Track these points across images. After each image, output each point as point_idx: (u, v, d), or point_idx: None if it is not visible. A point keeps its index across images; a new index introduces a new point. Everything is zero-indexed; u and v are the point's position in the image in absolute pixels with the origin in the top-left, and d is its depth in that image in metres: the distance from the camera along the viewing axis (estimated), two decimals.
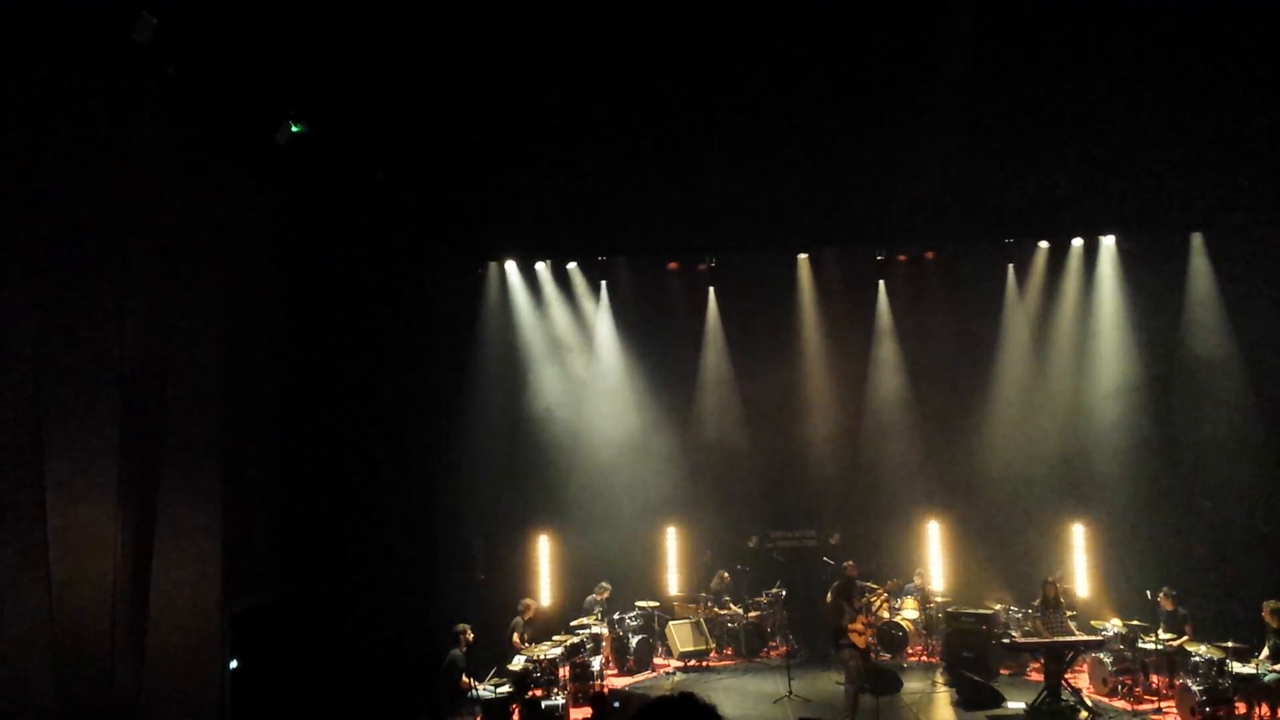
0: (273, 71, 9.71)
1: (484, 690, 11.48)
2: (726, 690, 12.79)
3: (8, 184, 6.86)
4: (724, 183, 12.25)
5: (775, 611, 14.81)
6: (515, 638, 12.53)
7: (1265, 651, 10.84)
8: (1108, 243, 14.45)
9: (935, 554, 15.44)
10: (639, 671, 13.85)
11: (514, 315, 14.97)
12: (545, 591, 14.88)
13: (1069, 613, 11.95)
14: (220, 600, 9.57)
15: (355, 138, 11.38)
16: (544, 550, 15.12)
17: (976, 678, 12.02)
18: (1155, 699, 11.56)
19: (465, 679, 11.46)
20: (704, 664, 14.15)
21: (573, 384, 15.38)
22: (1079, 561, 14.56)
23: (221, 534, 9.61)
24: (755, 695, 12.56)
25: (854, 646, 11.04)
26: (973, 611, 13.30)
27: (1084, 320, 14.81)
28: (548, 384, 15.22)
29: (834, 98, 11.76)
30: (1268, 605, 10.94)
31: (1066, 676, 11.35)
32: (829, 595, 11.47)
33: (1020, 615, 13.23)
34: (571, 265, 15.23)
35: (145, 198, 8.36)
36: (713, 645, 14.33)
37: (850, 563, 12.03)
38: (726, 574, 15.11)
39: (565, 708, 11.43)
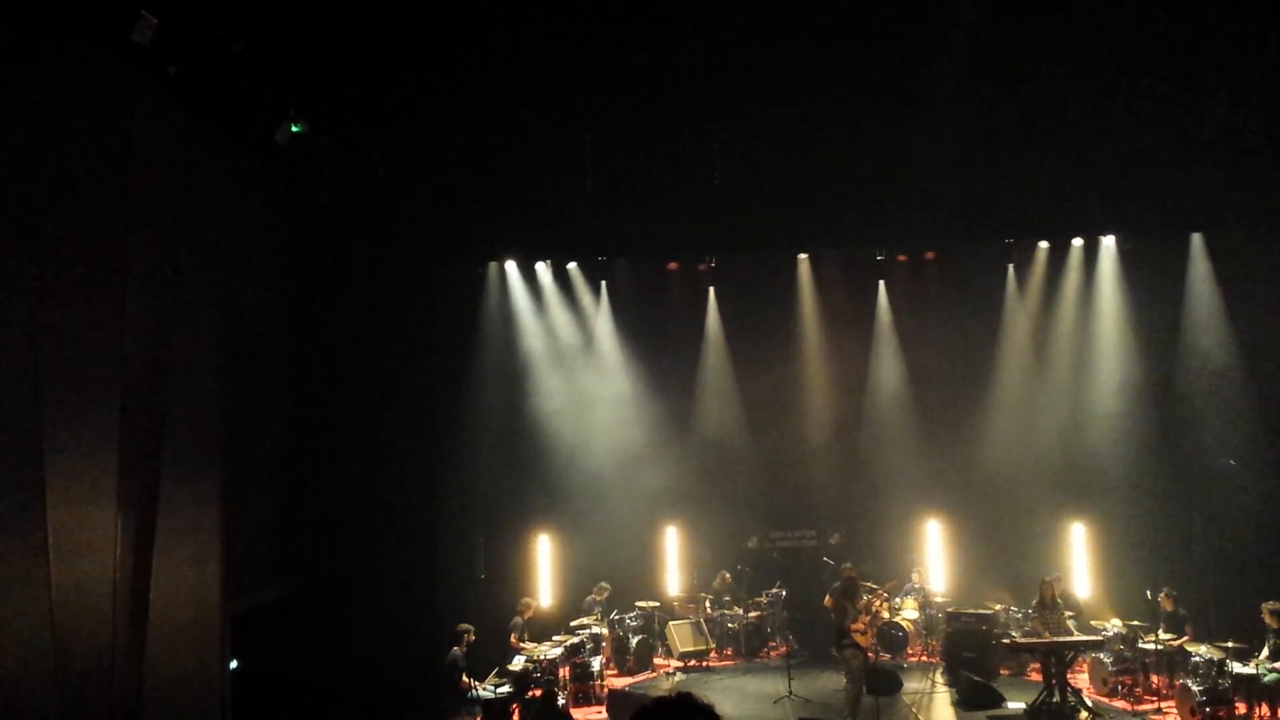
0: (273, 71, 9.72)
1: (484, 690, 11.48)
2: (726, 690, 12.79)
3: (8, 184, 6.86)
4: (724, 183, 12.26)
5: (775, 611, 14.80)
6: (514, 638, 12.52)
7: (1265, 651, 10.84)
8: (1108, 243, 14.43)
9: (935, 554, 15.42)
10: (639, 671, 13.85)
11: (514, 315, 14.96)
12: (545, 591, 14.87)
13: (1067, 613, 11.95)
14: (220, 600, 9.58)
15: (355, 137, 11.40)
16: (544, 550, 15.11)
17: (976, 678, 12.02)
18: (1155, 699, 11.56)
19: (465, 679, 11.47)
20: (704, 664, 14.15)
21: (573, 384, 15.37)
22: (1079, 561, 14.55)
23: (221, 534, 9.61)
24: (755, 695, 12.56)
25: (856, 646, 11.05)
26: (973, 611, 13.29)
27: (1084, 320, 14.79)
28: (548, 384, 15.21)
29: (834, 97, 11.80)
30: (1267, 606, 10.95)
31: (1066, 676, 11.34)
32: (828, 598, 11.49)
33: (1020, 615, 13.23)
34: (571, 265, 15.22)
35: (145, 197, 8.36)
36: (713, 645, 14.32)
37: (848, 564, 12.06)
38: (727, 574, 15.12)
39: (565, 708, 11.42)
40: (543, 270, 15.10)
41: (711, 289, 15.67)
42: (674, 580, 15.67)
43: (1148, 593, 11.99)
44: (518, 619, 12.71)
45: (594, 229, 13.07)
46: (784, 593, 14.85)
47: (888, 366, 15.55)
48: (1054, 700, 11.00)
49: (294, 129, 10.40)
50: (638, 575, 15.21)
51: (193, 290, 9.24)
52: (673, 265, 15.78)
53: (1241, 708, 10.60)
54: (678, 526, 15.71)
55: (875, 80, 11.72)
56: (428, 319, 12.71)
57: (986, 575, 14.46)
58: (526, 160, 12.25)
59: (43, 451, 6.99)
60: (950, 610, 13.57)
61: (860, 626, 11.13)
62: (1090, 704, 11.31)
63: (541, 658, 12.06)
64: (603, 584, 14.29)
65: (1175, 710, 11.02)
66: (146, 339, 8.39)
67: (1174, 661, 11.60)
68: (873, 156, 12.15)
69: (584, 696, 12.45)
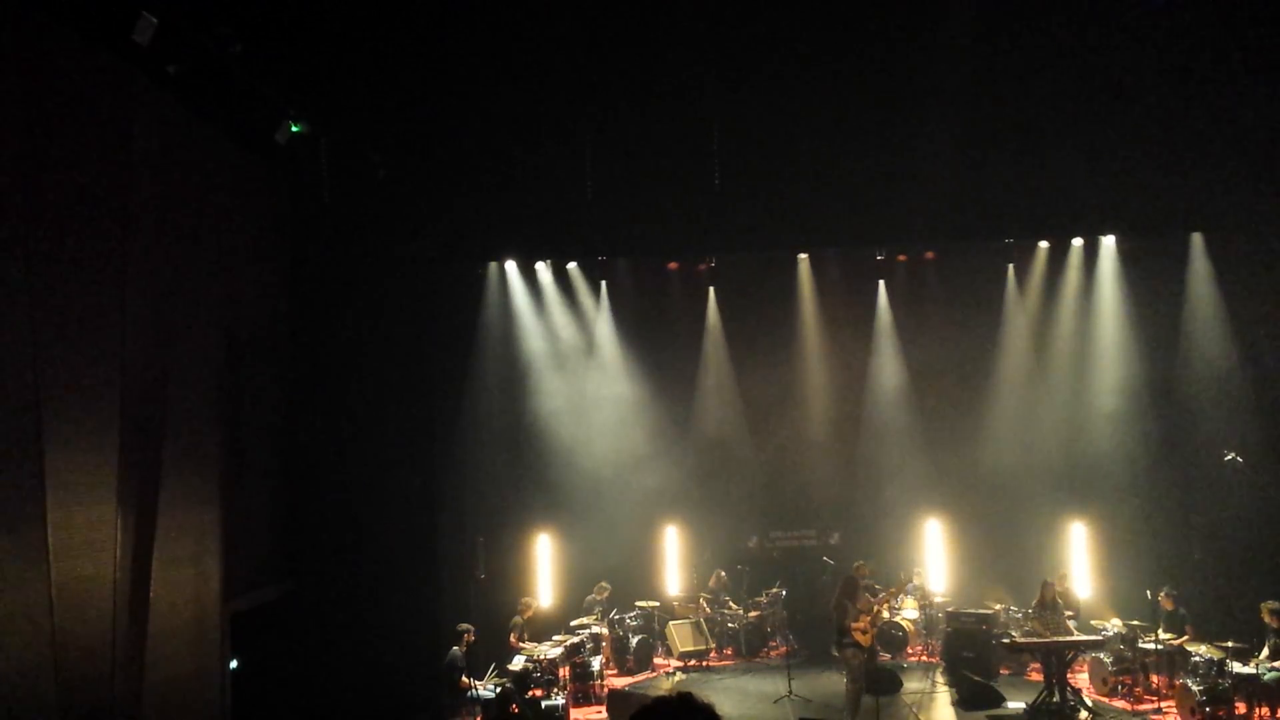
0: (273, 71, 9.72)
1: (484, 690, 11.48)
2: (726, 690, 12.79)
3: (8, 184, 6.87)
4: (724, 183, 12.26)
5: (775, 611, 14.80)
6: (514, 637, 12.52)
7: (1265, 651, 10.84)
8: (1108, 243, 14.43)
9: (935, 554, 15.42)
10: (639, 671, 13.85)
11: (514, 315, 14.95)
12: (545, 591, 14.87)
13: (1067, 613, 11.94)
14: (220, 600, 9.59)
15: (355, 137, 11.40)
16: (544, 550, 15.11)
17: (976, 678, 12.02)
18: (1155, 699, 11.56)
19: (465, 679, 11.47)
20: (704, 664, 14.14)
21: (572, 384, 15.36)
22: (1079, 561, 14.55)
23: (221, 534, 9.62)
24: (755, 695, 12.56)
25: (857, 645, 11.04)
26: (973, 611, 13.29)
27: (1084, 320, 14.79)
28: (548, 384, 15.21)
29: (834, 97, 11.80)
30: (1266, 605, 10.95)
31: (1066, 676, 11.34)
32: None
33: (1020, 615, 13.23)
34: (571, 265, 15.22)
35: (145, 197, 8.37)
36: (713, 645, 14.32)
37: (860, 563, 12.03)
38: (722, 573, 15.10)
39: (565, 708, 11.43)
40: (543, 270, 15.10)
41: (711, 289, 15.66)
42: (674, 580, 15.67)
43: (1148, 593, 11.98)
44: (518, 619, 12.71)
45: (594, 229, 13.08)
46: (784, 593, 14.85)
47: (888, 366, 15.54)
48: (1054, 700, 11.00)
49: (294, 129, 10.41)
50: (637, 575, 15.20)
51: (193, 291, 9.25)
52: (673, 265, 15.78)
53: (1241, 708, 10.59)
54: (677, 526, 15.70)
55: (875, 80, 11.73)
56: (428, 319, 12.71)
57: (986, 575, 14.45)
58: (526, 160, 12.25)
59: (43, 452, 7.00)
60: (950, 610, 13.57)
61: (862, 626, 11.12)
62: (1090, 704, 11.31)
63: (541, 657, 12.05)
64: (603, 584, 14.29)
65: (1175, 710, 11.01)
66: (146, 339, 8.40)
67: (1174, 661, 11.59)
68: (872, 156, 12.16)
69: (584, 696, 12.45)
